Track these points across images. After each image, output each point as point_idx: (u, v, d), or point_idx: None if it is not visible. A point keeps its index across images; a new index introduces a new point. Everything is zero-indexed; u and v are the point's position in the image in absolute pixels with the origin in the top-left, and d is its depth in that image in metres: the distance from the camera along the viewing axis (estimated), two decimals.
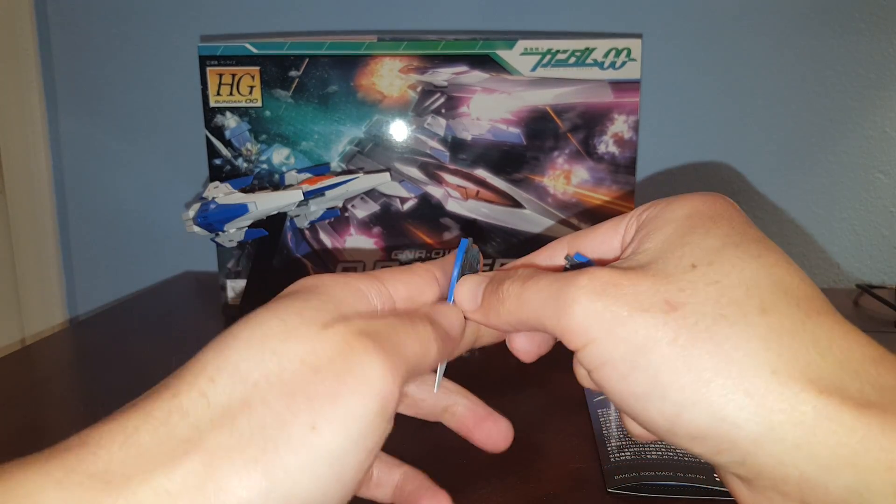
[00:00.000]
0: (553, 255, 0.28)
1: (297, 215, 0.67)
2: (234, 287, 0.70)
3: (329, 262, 0.70)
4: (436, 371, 0.28)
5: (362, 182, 0.66)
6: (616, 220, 0.26)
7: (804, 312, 0.20)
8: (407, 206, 0.69)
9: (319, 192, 0.64)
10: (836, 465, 0.18)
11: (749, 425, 0.18)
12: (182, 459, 0.18)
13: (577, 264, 0.26)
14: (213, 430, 0.19)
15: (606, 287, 0.21)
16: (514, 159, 0.68)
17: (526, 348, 0.27)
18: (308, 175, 0.66)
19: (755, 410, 0.18)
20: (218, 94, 0.66)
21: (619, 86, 0.67)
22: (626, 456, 0.40)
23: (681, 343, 0.19)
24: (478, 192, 0.69)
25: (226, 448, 0.19)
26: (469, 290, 0.26)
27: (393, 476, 0.28)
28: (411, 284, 0.26)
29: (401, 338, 0.22)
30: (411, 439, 0.45)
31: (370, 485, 0.28)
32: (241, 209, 0.63)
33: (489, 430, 0.29)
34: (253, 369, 0.20)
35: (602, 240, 0.26)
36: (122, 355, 0.60)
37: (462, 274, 0.28)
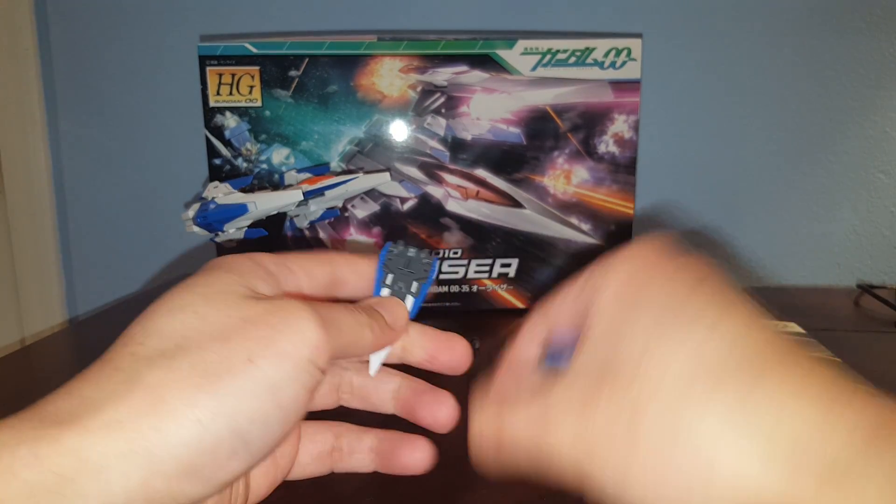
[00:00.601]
0: (531, 340, 0.29)
1: (297, 215, 0.67)
2: None
3: None
4: (372, 359, 0.28)
5: (362, 182, 0.66)
6: (573, 287, 0.27)
7: (721, 395, 0.20)
8: (407, 206, 0.69)
9: (319, 192, 0.64)
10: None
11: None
12: (126, 396, 0.20)
13: (553, 368, 0.27)
14: (151, 371, 0.20)
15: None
16: (514, 159, 0.68)
17: None
18: (308, 175, 0.66)
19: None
20: (218, 93, 0.66)
21: (619, 86, 0.67)
22: None
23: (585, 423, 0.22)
24: (478, 192, 0.69)
25: (168, 381, 0.20)
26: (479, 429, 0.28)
27: (364, 442, 0.30)
28: (319, 269, 0.28)
29: (334, 313, 0.24)
30: None
31: (343, 456, 0.29)
32: (241, 209, 0.63)
33: (431, 406, 0.29)
34: (180, 328, 0.22)
35: (570, 309, 0.27)
36: None
37: (404, 279, 0.29)
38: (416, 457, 0.29)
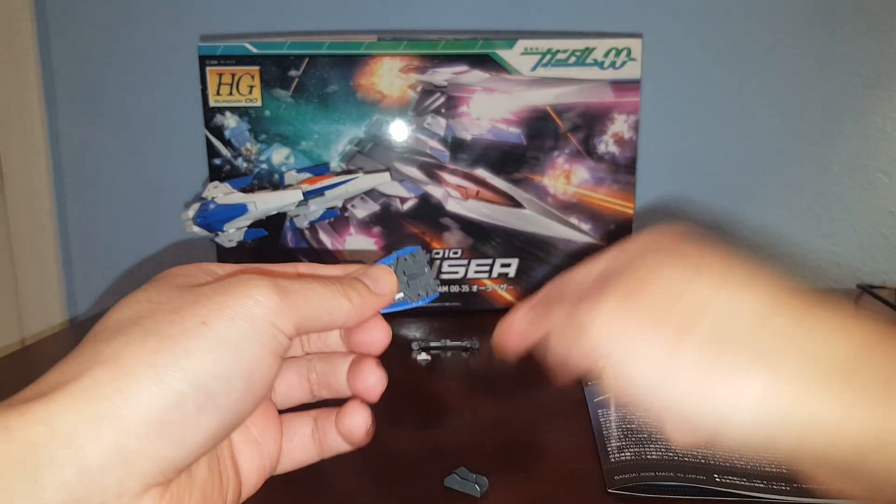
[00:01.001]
0: (541, 325, 0.30)
1: (297, 215, 0.67)
2: None
3: (329, 262, 0.70)
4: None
5: (362, 182, 0.66)
6: (592, 263, 0.30)
7: (783, 323, 0.24)
8: (407, 205, 0.69)
9: (319, 192, 0.64)
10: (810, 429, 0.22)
11: (745, 413, 0.22)
12: (87, 371, 0.21)
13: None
14: (109, 346, 0.21)
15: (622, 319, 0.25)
16: (514, 159, 0.68)
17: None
18: (308, 175, 0.66)
19: (758, 401, 0.22)
20: (218, 93, 0.66)
21: (619, 86, 0.67)
22: (626, 456, 0.40)
23: (696, 361, 0.23)
24: (478, 192, 0.69)
25: (126, 350, 0.21)
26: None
27: (332, 422, 0.29)
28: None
29: (296, 283, 0.25)
30: (410, 440, 0.45)
31: (322, 440, 0.29)
32: (241, 209, 0.63)
33: (359, 375, 0.29)
34: (134, 314, 0.23)
35: (597, 277, 0.29)
36: None
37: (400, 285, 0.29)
38: (346, 427, 0.28)
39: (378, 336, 0.28)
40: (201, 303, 0.23)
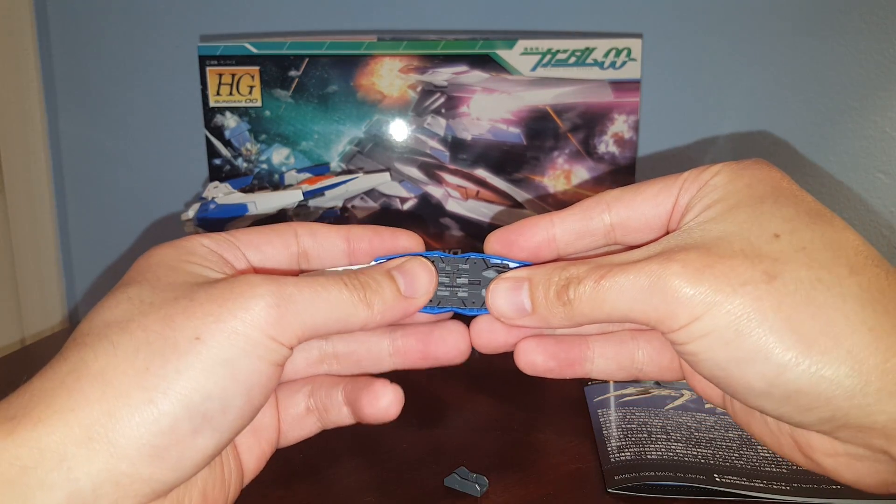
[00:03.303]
0: (587, 220, 0.27)
1: (297, 215, 0.67)
2: None
3: None
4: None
5: (362, 182, 0.66)
6: (665, 182, 0.26)
7: (884, 271, 0.22)
8: (407, 206, 0.69)
9: (319, 192, 0.64)
10: None
11: (847, 381, 0.20)
12: (75, 385, 0.20)
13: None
14: (97, 358, 0.20)
15: (703, 268, 0.22)
16: (514, 159, 0.68)
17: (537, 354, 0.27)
18: (308, 175, 0.66)
19: (854, 366, 0.20)
20: (217, 93, 0.66)
21: (619, 86, 0.67)
22: (626, 456, 0.40)
23: (785, 309, 0.21)
24: (478, 192, 0.69)
25: (114, 365, 0.20)
26: (508, 299, 0.25)
27: (336, 396, 0.28)
28: (275, 241, 0.26)
29: (304, 289, 0.22)
30: (410, 440, 0.45)
31: (322, 414, 0.28)
32: (241, 209, 0.63)
33: (441, 337, 0.27)
34: (124, 316, 0.21)
35: (653, 203, 0.26)
36: None
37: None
38: (379, 405, 0.26)
39: (453, 343, 0.27)
40: (194, 312, 0.21)
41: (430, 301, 0.26)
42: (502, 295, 0.25)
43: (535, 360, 0.27)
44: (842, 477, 0.23)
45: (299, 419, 0.28)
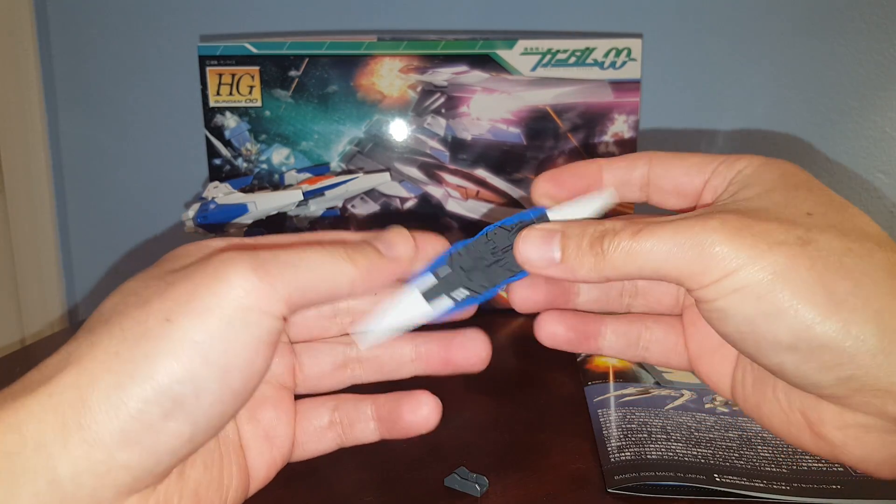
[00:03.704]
0: (631, 169, 0.27)
1: (297, 215, 0.67)
2: None
3: None
4: (372, 326, 0.26)
5: (362, 182, 0.66)
6: (703, 159, 0.27)
7: None
8: (407, 206, 0.69)
9: (319, 192, 0.64)
10: None
11: (872, 339, 0.21)
12: (57, 374, 0.20)
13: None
14: (80, 346, 0.21)
15: (741, 227, 0.22)
16: (514, 159, 0.68)
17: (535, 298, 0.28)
18: (308, 175, 0.66)
19: (880, 326, 0.21)
20: (217, 93, 0.66)
21: (619, 86, 0.67)
22: (626, 456, 0.40)
23: (818, 269, 0.21)
24: (478, 192, 0.69)
25: (90, 353, 0.20)
26: (538, 247, 0.25)
27: (363, 411, 0.28)
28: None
29: (283, 253, 0.22)
30: (410, 440, 0.45)
31: (345, 429, 0.28)
32: (241, 209, 0.63)
33: (462, 343, 0.28)
34: (111, 307, 0.22)
35: (687, 172, 0.27)
36: None
37: (456, 280, 0.26)
38: (421, 413, 0.27)
39: (474, 349, 0.27)
40: (168, 294, 0.21)
41: (470, 292, 0.26)
42: (533, 243, 0.25)
43: (556, 330, 0.28)
44: (851, 454, 0.23)
45: (320, 432, 0.28)
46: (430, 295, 0.27)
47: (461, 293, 0.26)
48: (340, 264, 0.23)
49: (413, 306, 0.26)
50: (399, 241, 0.26)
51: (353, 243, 0.25)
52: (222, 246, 0.25)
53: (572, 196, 0.27)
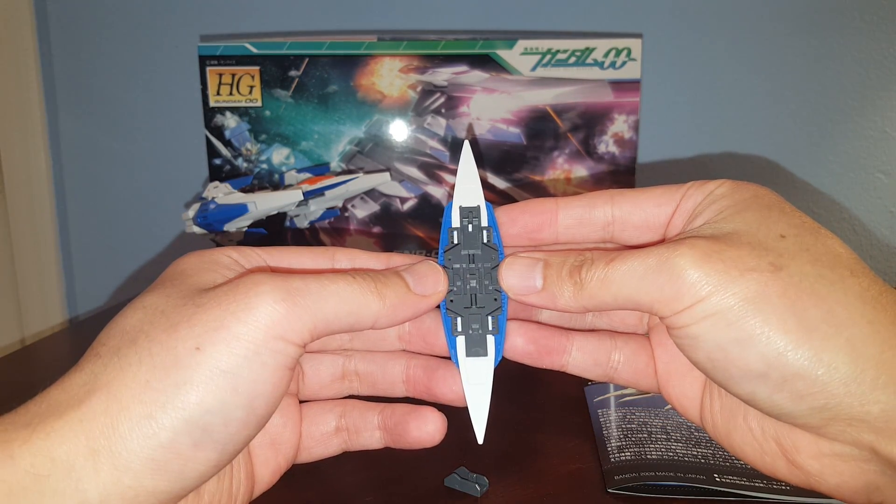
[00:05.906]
0: (591, 208, 0.27)
1: (297, 215, 0.67)
2: None
3: None
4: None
5: (362, 182, 0.66)
6: (668, 189, 0.26)
7: (879, 281, 0.23)
8: (407, 206, 0.69)
9: (319, 192, 0.64)
10: None
11: (844, 367, 0.21)
12: (85, 398, 0.20)
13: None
14: (107, 370, 0.21)
15: (712, 253, 0.22)
16: (514, 159, 0.68)
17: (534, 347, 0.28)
18: (308, 175, 0.66)
19: (852, 354, 0.21)
20: (218, 93, 0.66)
21: (619, 86, 0.67)
22: (626, 456, 0.40)
23: (789, 296, 0.21)
24: None
25: (119, 379, 0.20)
26: (520, 275, 0.25)
27: (369, 419, 0.28)
28: (310, 261, 0.26)
29: (312, 282, 0.22)
30: None
31: (351, 435, 0.29)
32: (241, 209, 0.63)
33: (444, 374, 0.28)
34: (137, 325, 0.22)
35: (658, 203, 0.26)
36: None
37: (475, 319, 0.26)
38: (426, 429, 0.27)
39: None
40: (198, 319, 0.21)
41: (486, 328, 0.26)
42: (516, 271, 0.26)
43: (515, 341, 0.27)
44: (826, 483, 0.23)
45: (326, 437, 0.28)
46: (471, 352, 0.27)
47: (486, 324, 0.26)
48: (368, 298, 0.23)
49: (484, 379, 0.27)
50: (430, 276, 0.25)
51: (383, 274, 0.24)
52: (246, 265, 0.25)
53: (524, 233, 0.27)
